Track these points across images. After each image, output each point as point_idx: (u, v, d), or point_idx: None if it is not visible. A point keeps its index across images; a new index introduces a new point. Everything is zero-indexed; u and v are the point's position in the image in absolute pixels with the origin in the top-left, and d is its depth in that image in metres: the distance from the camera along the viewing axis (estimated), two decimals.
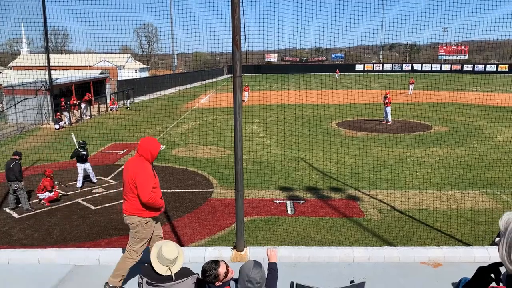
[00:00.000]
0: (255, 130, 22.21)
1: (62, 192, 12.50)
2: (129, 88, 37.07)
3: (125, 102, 34.67)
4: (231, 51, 6.05)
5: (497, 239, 7.16)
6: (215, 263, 3.79)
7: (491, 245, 7.58)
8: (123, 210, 5.42)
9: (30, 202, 11.44)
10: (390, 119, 23.74)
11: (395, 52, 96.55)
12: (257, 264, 3.49)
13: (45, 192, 11.50)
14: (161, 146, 5.42)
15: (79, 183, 12.98)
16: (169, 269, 3.87)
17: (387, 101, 23.49)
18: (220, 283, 3.78)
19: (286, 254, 6.75)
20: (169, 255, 3.87)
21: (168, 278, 3.91)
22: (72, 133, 14.84)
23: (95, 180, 13.39)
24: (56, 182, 12.53)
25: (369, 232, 9.38)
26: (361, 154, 16.37)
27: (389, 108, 23.57)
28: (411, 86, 38.93)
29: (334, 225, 9.70)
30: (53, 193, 11.63)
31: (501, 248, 1.73)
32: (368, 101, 24.02)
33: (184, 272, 4.04)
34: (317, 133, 20.85)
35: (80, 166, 12.98)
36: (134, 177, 5.10)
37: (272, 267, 4.02)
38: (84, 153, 13.00)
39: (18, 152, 11.64)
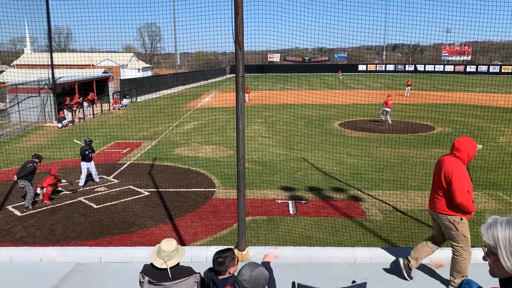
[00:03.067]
0: (257, 130, 22.21)
1: (64, 191, 12.53)
2: (128, 88, 36.98)
3: (123, 101, 34.34)
4: (234, 51, 6.05)
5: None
6: (230, 249, 4.02)
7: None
8: (432, 206, 5.55)
9: (35, 199, 11.50)
10: (389, 120, 23.59)
11: (398, 53, 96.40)
12: (249, 266, 3.41)
13: (44, 186, 11.58)
14: (478, 145, 5.44)
15: (81, 182, 13.00)
16: (165, 262, 3.88)
17: (389, 102, 23.39)
18: (225, 276, 3.83)
19: (288, 254, 6.75)
20: (166, 248, 3.91)
21: (168, 276, 3.91)
22: (74, 139, 14.94)
23: (97, 180, 13.41)
24: (64, 181, 12.63)
25: (371, 232, 9.36)
26: (363, 155, 16.34)
27: (388, 110, 23.44)
28: (408, 88, 38.48)
29: (336, 226, 9.69)
30: (45, 189, 11.68)
31: (505, 260, 1.69)
32: (370, 102, 24.00)
33: (186, 271, 4.05)
34: (319, 133, 20.83)
35: (84, 165, 13.00)
36: (449, 177, 5.23)
37: (266, 266, 4.05)
38: (90, 150, 13.05)
39: (38, 155, 11.95)
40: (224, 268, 3.84)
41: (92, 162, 13.21)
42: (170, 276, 3.88)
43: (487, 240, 1.72)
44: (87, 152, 12.96)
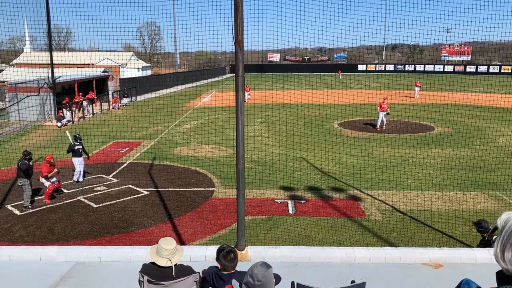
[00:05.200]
0: (257, 130, 22.21)
1: (65, 191, 12.52)
2: (128, 87, 36.99)
3: (122, 100, 34.41)
4: (234, 50, 6.05)
5: (494, 237, 7.13)
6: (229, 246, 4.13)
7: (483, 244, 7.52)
8: None
9: (35, 198, 11.50)
10: (378, 125, 22.88)
11: (398, 53, 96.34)
12: (265, 264, 3.45)
13: (43, 175, 11.56)
14: None
15: (80, 178, 13.02)
16: (169, 260, 3.91)
17: (384, 105, 22.65)
18: (231, 271, 3.94)
19: (287, 253, 6.76)
20: (167, 246, 3.94)
21: (169, 276, 3.92)
22: (66, 131, 14.92)
23: (81, 180, 13.25)
24: (56, 170, 12.60)
25: (370, 232, 9.37)
26: (362, 155, 16.35)
27: (382, 114, 22.87)
28: (417, 89, 37.55)
29: (335, 225, 9.70)
30: (49, 183, 11.64)
31: (496, 246, 1.75)
32: (370, 102, 23.99)
33: (186, 270, 4.06)
34: (319, 133, 20.83)
35: (76, 161, 13.01)
36: None
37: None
38: (80, 146, 13.10)
39: (24, 152, 11.64)
40: (235, 263, 3.96)
41: (82, 159, 13.22)
42: (174, 274, 3.91)
43: (497, 224, 1.80)
44: (76, 148, 13.00)
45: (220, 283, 3.92)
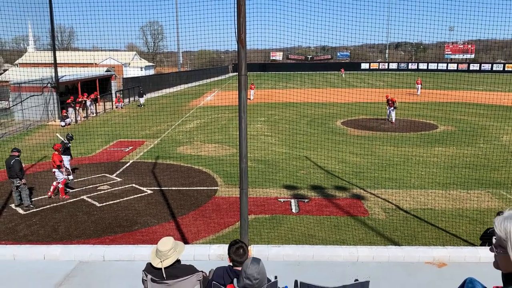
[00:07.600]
0: (260, 129, 22.20)
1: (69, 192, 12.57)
2: (141, 85, 36.99)
3: (139, 99, 34.42)
4: (237, 49, 6.04)
5: (494, 240, 7.09)
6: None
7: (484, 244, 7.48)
8: None
9: (35, 198, 11.54)
10: (394, 118, 23.53)
11: (401, 51, 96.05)
12: (254, 260, 3.50)
13: (56, 166, 11.72)
14: None
15: (71, 176, 13.10)
16: (161, 261, 3.90)
17: (390, 102, 23.28)
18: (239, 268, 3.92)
19: (290, 252, 6.76)
20: (161, 247, 3.93)
21: (172, 275, 3.92)
22: (57, 134, 14.98)
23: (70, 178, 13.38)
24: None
25: (373, 231, 9.36)
26: (366, 153, 16.32)
27: (392, 108, 23.35)
28: (419, 87, 38.09)
29: (339, 224, 9.69)
30: (61, 177, 11.84)
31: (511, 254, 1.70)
32: (373, 100, 23.95)
33: (188, 270, 4.05)
34: (322, 131, 20.80)
35: (66, 158, 13.07)
36: None
37: None
38: (70, 145, 13.40)
39: (17, 149, 11.52)
40: (244, 259, 3.95)
41: (69, 158, 13.36)
42: (164, 275, 3.89)
43: (498, 233, 1.73)
44: (68, 146, 13.26)
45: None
